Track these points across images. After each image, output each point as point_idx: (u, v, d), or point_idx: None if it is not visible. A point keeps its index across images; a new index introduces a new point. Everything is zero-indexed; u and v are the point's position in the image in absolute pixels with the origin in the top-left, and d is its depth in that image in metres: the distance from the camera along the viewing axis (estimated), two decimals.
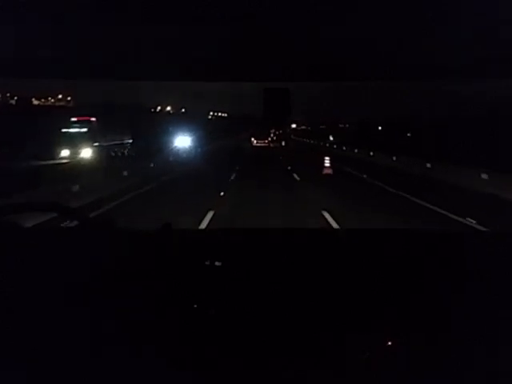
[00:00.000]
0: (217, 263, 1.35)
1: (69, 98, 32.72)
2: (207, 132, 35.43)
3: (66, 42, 1.38)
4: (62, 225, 1.91)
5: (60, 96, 32.45)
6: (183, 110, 47.88)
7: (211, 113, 61.18)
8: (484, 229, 6.27)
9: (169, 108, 45.19)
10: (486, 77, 1.88)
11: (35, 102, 28.47)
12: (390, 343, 0.86)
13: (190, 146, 25.43)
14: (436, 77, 1.90)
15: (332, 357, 0.79)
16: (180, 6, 1.17)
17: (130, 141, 22.82)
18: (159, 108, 43.33)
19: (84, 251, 1.30)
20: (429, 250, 1.39)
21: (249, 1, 1.21)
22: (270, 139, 44.49)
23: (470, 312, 0.91)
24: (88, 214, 1.60)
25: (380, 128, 39.79)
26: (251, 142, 43.74)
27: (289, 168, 15.59)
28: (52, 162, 15.13)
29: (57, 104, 32.22)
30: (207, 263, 1.34)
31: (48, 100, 32.14)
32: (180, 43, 1.42)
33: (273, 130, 47.57)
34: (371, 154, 21.72)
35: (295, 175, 13.44)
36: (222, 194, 8.46)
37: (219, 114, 64.09)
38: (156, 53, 1.51)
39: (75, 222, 1.57)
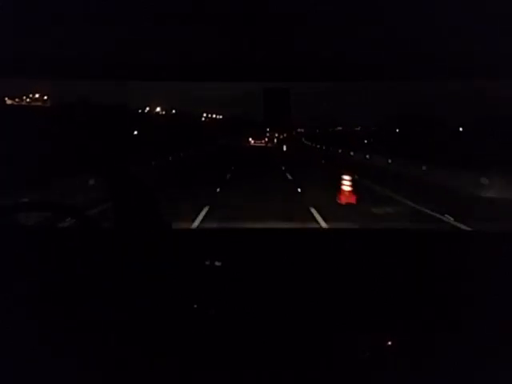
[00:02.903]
0: (217, 263, 1.35)
1: (45, 98, 31.30)
2: None
3: (51, 39, 1.37)
4: (60, 224, 1.90)
5: (37, 95, 31.01)
6: (174, 111, 46.54)
7: (205, 114, 59.79)
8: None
9: (158, 109, 43.64)
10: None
11: (9, 102, 26.58)
12: (389, 343, 0.86)
13: None
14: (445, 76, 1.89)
15: (332, 357, 0.79)
16: (177, 4, 1.17)
17: None
18: (148, 109, 41.50)
19: (83, 251, 1.30)
20: (428, 251, 1.39)
21: (249, 0, 1.20)
22: (266, 139, 45.99)
23: (469, 312, 0.91)
24: (87, 214, 1.60)
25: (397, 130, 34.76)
26: (249, 142, 45.06)
27: None
28: None
29: (33, 104, 30.70)
30: (207, 263, 1.34)
31: (23, 99, 30.56)
32: (177, 42, 1.42)
33: (275, 134, 47.51)
34: None
35: None
36: None
37: (213, 115, 63.04)
38: (152, 52, 1.51)
39: (74, 221, 1.57)
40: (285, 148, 43.13)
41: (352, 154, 30.90)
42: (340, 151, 35.79)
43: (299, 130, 72.18)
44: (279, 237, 1.59)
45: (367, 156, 26.89)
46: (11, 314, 0.90)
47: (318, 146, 48.76)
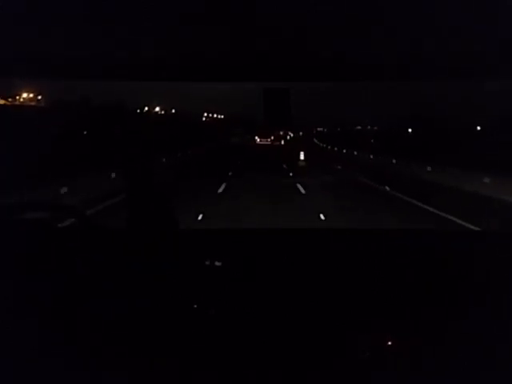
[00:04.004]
0: (217, 263, 1.36)
1: (39, 97, 30.02)
2: None
3: (51, 39, 1.37)
4: (60, 224, 1.90)
5: (31, 95, 29.72)
6: (173, 111, 45.88)
7: (205, 114, 59.39)
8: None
9: (157, 109, 42.66)
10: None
11: (1, 102, 24.84)
12: (389, 343, 0.86)
13: None
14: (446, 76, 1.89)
15: (332, 357, 0.79)
16: (177, 4, 1.17)
17: None
18: (146, 108, 40.20)
19: (83, 251, 1.30)
20: (428, 250, 1.39)
21: (249, 1, 1.20)
22: (272, 138, 46.86)
23: (468, 312, 0.91)
24: (86, 214, 1.60)
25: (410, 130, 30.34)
26: (255, 141, 46.04)
27: None
28: None
29: (26, 104, 29.48)
30: (207, 263, 1.34)
31: (16, 99, 29.28)
32: (177, 42, 1.42)
33: (277, 133, 48.32)
34: None
35: None
36: None
37: (215, 115, 62.82)
38: (152, 52, 1.51)
39: (73, 221, 1.57)
40: (302, 156, 27.21)
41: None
42: (394, 162, 22.78)
43: (319, 129, 71.82)
44: (279, 237, 1.59)
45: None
46: (11, 314, 0.90)
47: (344, 151, 34.86)
